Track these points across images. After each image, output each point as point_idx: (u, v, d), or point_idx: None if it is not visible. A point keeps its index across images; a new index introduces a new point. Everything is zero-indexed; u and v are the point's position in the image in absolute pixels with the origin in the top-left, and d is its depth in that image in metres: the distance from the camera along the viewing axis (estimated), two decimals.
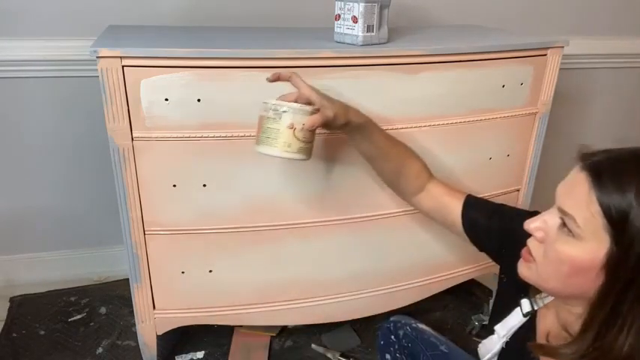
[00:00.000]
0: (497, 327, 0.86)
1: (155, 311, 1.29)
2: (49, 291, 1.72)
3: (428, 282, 1.46)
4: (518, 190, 1.48)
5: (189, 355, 1.49)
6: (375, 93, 1.19)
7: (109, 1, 1.51)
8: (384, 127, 1.22)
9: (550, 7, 1.89)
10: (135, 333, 1.43)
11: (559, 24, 1.92)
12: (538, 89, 1.37)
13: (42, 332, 1.55)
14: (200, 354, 1.49)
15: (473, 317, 1.64)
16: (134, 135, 1.09)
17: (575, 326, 0.70)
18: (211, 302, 1.31)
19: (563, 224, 0.66)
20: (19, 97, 1.57)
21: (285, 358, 1.50)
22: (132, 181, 1.12)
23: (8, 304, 1.66)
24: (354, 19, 1.15)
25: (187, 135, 1.11)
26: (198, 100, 1.09)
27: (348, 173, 1.25)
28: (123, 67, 1.03)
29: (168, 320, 1.31)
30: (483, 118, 1.31)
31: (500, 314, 0.88)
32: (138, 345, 1.37)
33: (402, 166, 1.09)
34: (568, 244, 0.65)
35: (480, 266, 1.52)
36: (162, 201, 1.17)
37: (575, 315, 0.72)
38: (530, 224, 0.70)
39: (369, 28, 1.16)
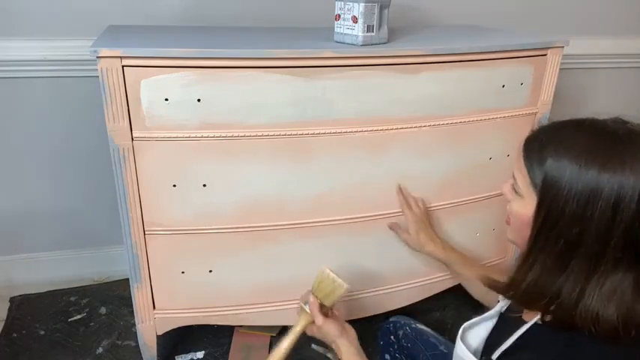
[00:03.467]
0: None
1: (155, 311, 1.29)
2: (49, 291, 1.72)
3: (428, 282, 1.46)
4: None
5: (189, 355, 1.49)
6: (375, 93, 1.19)
7: (109, 1, 1.51)
8: (384, 128, 1.22)
9: (550, 7, 1.89)
10: (135, 333, 1.43)
11: (559, 24, 1.91)
12: (538, 89, 1.36)
13: (42, 332, 1.55)
14: (200, 354, 1.49)
15: (473, 317, 1.63)
16: (134, 135, 1.09)
17: None
18: (211, 302, 1.31)
19: (513, 185, 0.77)
20: (19, 97, 1.57)
21: (285, 358, 1.49)
22: (132, 181, 1.12)
23: (8, 304, 1.66)
24: (354, 19, 1.15)
25: (187, 135, 1.11)
26: (198, 100, 1.09)
27: (348, 173, 1.25)
28: (123, 67, 1.03)
29: (168, 320, 1.31)
30: (483, 118, 1.31)
31: None
32: (138, 345, 1.37)
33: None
34: (515, 202, 0.77)
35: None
36: (162, 201, 1.17)
37: None
38: (502, 188, 0.82)
39: (369, 28, 1.16)
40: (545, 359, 0.71)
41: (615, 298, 0.67)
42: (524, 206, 0.74)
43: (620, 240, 0.65)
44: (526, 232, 0.73)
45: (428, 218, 1.33)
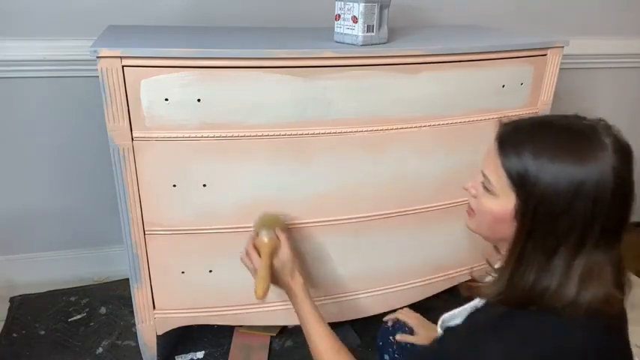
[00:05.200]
0: None
1: (155, 311, 1.29)
2: (49, 291, 1.72)
3: (428, 282, 1.46)
4: None
5: (189, 355, 1.49)
6: (375, 93, 1.19)
7: (109, 1, 1.51)
8: (384, 128, 1.22)
9: (550, 7, 1.89)
10: (135, 333, 1.43)
11: (559, 24, 1.91)
12: (538, 89, 1.37)
13: (42, 332, 1.55)
14: (200, 354, 1.49)
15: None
16: (134, 135, 1.09)
17: None
18: (211, 302, 1.31)
19: (484, 183, 0.79)
20: (19, 97, 1.57)
21: (285, 358, 1.49)
22: (132, 181, 1.13)
23: (8, 304, 1.66)
24: (354, 19, 1.15)
25: (187, 135, 1.11)
26: (198, 100, 1.09)
27: (348, 173, 1.25)
28: (123, 67, 1.03)
29: (168, 320, 1.31)
30: (483, 118, 1.32)
31: None
32: (138, 345, 1.37)
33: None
34: (487, 199, 0.79)
35: (480, 266, 1.51)
36: (162, 201, 1.17)
37: None
38: (466, 184, 0.87)
39: (369, 28, 1.16)
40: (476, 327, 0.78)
41: (595, 280, 0.70)
42: (500, 204, 0.76)
43: (599, 226, 0.69)
44: (502, 228, 0.77)
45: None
